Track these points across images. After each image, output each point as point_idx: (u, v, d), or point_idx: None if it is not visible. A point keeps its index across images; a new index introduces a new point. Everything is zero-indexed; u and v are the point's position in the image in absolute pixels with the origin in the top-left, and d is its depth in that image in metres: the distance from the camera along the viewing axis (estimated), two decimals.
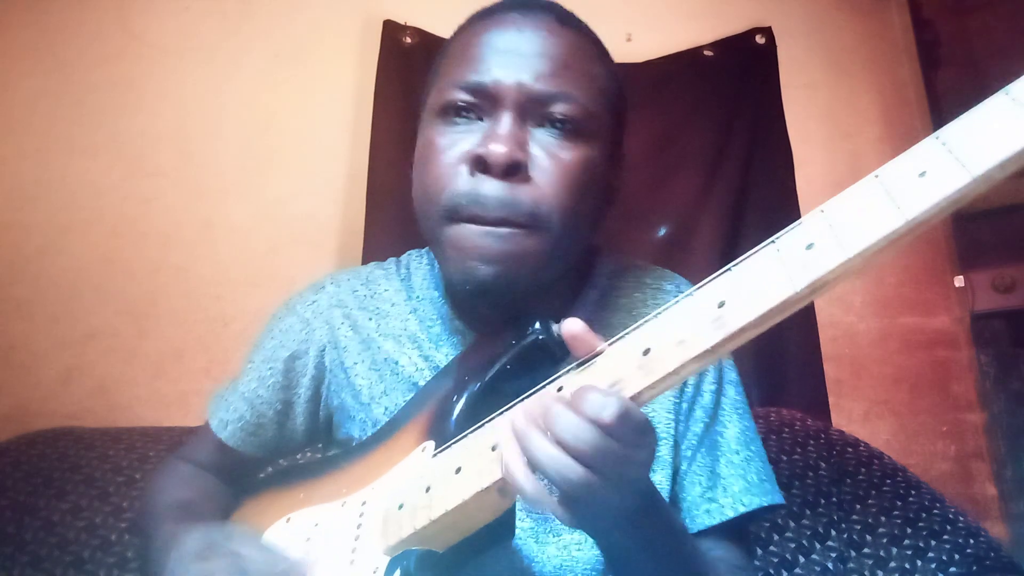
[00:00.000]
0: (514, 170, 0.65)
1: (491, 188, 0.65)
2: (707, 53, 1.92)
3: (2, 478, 1.22)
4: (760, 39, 1.94)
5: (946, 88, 1.94)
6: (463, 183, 0.66)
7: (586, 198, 0.69)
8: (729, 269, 0.46)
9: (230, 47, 1.80)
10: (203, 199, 1.73)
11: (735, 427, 0.76)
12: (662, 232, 1.83)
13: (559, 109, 0.67)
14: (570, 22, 0.73)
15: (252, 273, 1.70)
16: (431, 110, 0.72)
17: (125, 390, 1.61)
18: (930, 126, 1.96)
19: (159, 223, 1.70)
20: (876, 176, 0.41)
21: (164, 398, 1.61)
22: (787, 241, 0.44)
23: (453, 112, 0.69)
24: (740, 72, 1.91)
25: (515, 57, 0.68)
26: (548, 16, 0.71)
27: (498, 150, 0.64)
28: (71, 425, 1.37)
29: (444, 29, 1.91)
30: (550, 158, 0.67)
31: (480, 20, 0.73)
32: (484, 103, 0.68)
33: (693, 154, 1.86)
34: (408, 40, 1.80)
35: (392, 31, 1.80)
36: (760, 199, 1.85)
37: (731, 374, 0.79)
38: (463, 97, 0.68)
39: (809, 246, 0.43)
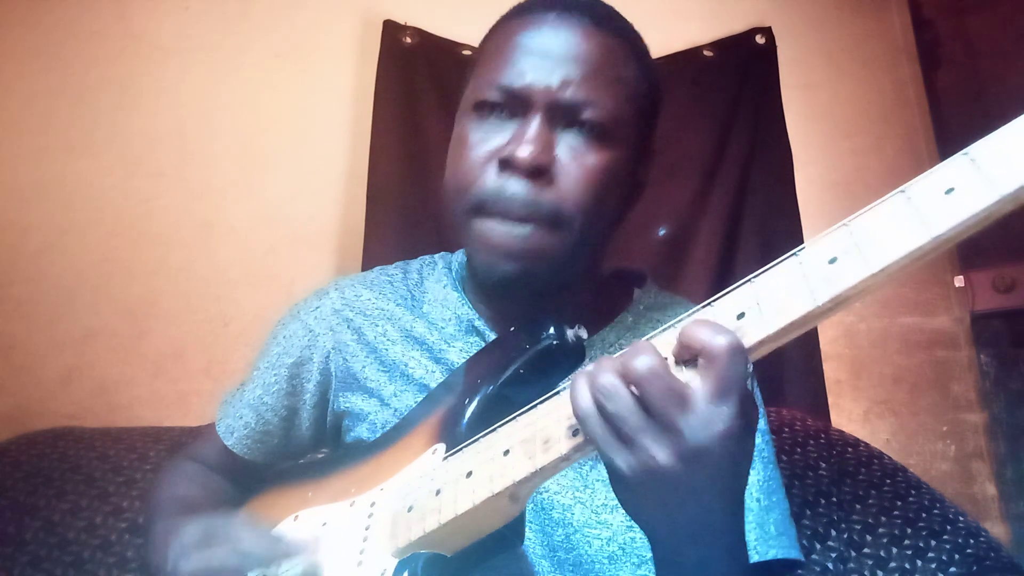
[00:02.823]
0: (539, 172, 0.68)
1: (516, 187, 0.68)
2: (707, 53, 1.92)
3: (2, 478, 1.21)
4: (760, 39, 1.94)
5: (946, 88, 1.94)
6: (490, 180, 0.69)
7: (608, 199, 0.72)
8: (750, 280, 0.46)
9: (230, 47, 1.80)
10: (203, 199, 1.72)
11: (758, 474, 0.75)
12: (662, 232, 1.82)
13: (586, 115, 0.69)
14: (605, 23, 0.74)
15: (252, 273, 1.70)
16: (466, 105, 0.74)
17: (125, 390, 1.61)
18: (930, 126, 1.96)
19: (158, 223, 1.70)
20: (902, 191, 0.41)
21: (164, 398, 1.61)
22: (810, 254, 0.43)
23: (486, 109, 0.72)
24: (740, 72, 1.91)
25: (547, 60, 0.70)
26: (584, 18, 0.72)
27: (524, 153, 0.67)
28: (71, 425, 1.37)
29: (444, 29, 1.92)
30: (575, 161, 0.69)
31: (517, 18, 0.75)
32: (515, 104, 0.70)
33: (693, 154, 1.86)
34: (408, 40, 1.80)
35: (392, 31, 1.80)
36: (760, 199, 1.85)
37: (760, 422, 0.78)
38: (495, 97, 0.71)
39: (832, 260, 0.42)
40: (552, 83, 0.69)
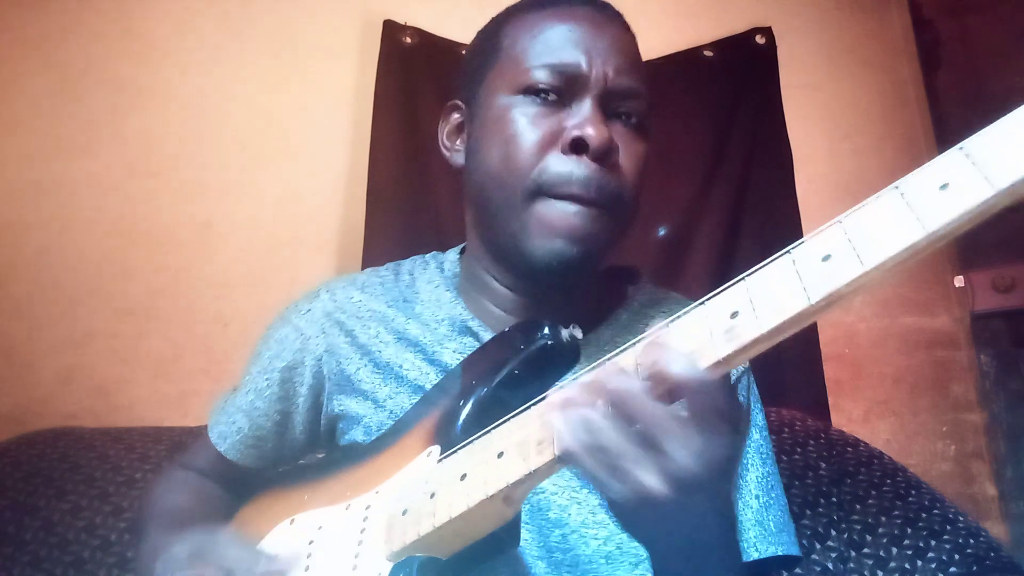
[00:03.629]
0: (608, 154, 0.69)
1: (587, 169, 0.68)
2: (707, 53, 1.92)
3: (2, 478, 1.21)
4: (760, 39, 1.94)
5: (946, 88, 1.94)
6: (557, 162, 0.69)
7: (643, 187, 0.74)
8: (743, 278, 0.46)
9: (230, 47, 1.80)
10: (203, 199, 1.72)
11: (757, 471, 0.74)
12: (662, 232, 1.83)
13: (632, 105, 0.72)
14: (628, 26, 0.78)
15: (252, 273, 1.70)
16: (504, 87, 0.74)
17: (125, 390, 1.61)
18: (930, 126, 1.96)
19: (159, 223, 1.70)
20: (896, 187, 0.40)
21: (164, 398, 1.61)
22: (803, 252, 0.43)
23: (533, 92, 0.72)
24: (740, 72, 1.91)
25: (598, 49, 0.71)
26: (616, 16, 0.76)
27: (599, 134, 0.68)
28: (71, 425, 1.37)
29: (444, 29, 1.92)
30: (629, 151, 0.72)
31: (550, 7, 0.75)
32: (569, 87, 0.71)
33: (693, 154, 1.86)
34: (408, 40, 1.80)
35: (392, 31, 1.80)
36: (760, 199, 1.85)
37: (759, 418, 0.78)
38: (548, 78, 0.71)
39: (826, 258, 0.41)
40: (608, 70, 0.70)
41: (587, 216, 0.69)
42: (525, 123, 0.71)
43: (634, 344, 0.49)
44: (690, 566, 0.52)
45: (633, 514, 0.48)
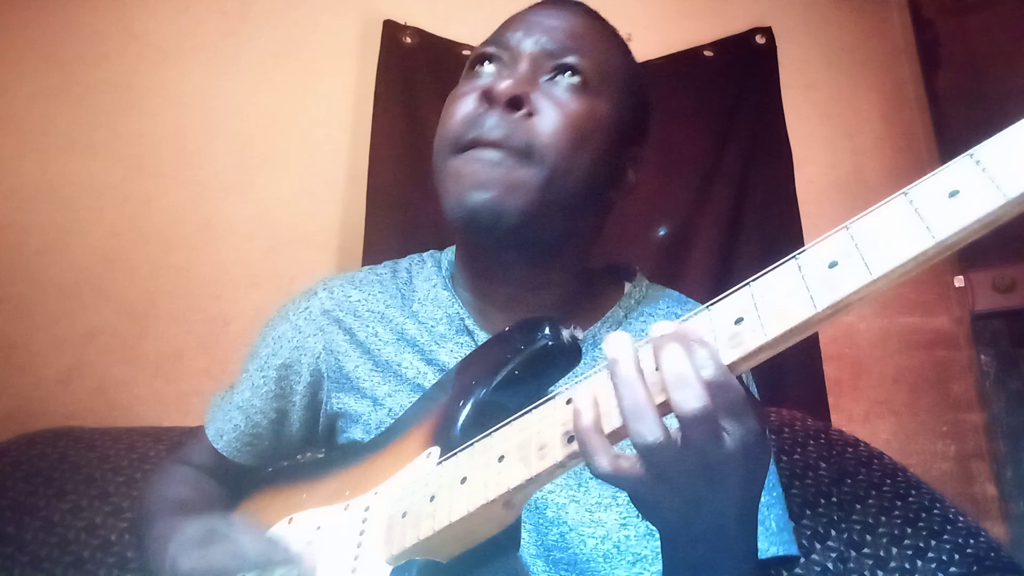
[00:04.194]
0: (516, 103, 0.70)
1: (493, 116, 0.70)
2: (707, 53, 1.92)
3: (2, 478, 1.21)
4: (760, 39, 1.94)
5: (946, 88, 1.94)
6: (470, 112, 0.71)
7: (588, 149, 0.72)
8: (748, 284, 0.44)
9: (230, 47, 1.80)
10: (203, 199, 1.72)
11: None
12: (661, 232, 1.82)
13: (569, 59, 0.73)
14: (596, 15, 0.80)
15: (252, 273, 1.70)
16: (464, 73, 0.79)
17: (125, 390, 1.61)
18: (930, 126, 1.96)
19: (159, 223, 1.70)
20: (905, 194, 0.39)
21: (164, 398, 1.61)
22: (809, 258, 0.42)
23: (477, 63, 0.76)
24: (740, 72, 1.91)
25: (538, 25, 0.75)
26: (576, 7, 0.78)
27: (502, 84, 0.69)
28: (71, 425, 1.37)
29: (444, 29, 1.92)
30: (555, 104, 0.71)
31: (529, 7, 0.80)
32: (504, 55, 0.74)
33: (693, 154, 1.86)
34: (408, 40, 1.80)
35: (392, 31, 1.80)
36: (760, 199, 1.85)
37: None
38: (486, 48, 0.76)
39: (832, 264, 0.40)
40: (540, 39, 0.74)
41: (492, 160, 0.68)
42: (462, 92, 0.74)
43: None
44: (702, 560, 0.51)
45: (651, 497, 0.47)
